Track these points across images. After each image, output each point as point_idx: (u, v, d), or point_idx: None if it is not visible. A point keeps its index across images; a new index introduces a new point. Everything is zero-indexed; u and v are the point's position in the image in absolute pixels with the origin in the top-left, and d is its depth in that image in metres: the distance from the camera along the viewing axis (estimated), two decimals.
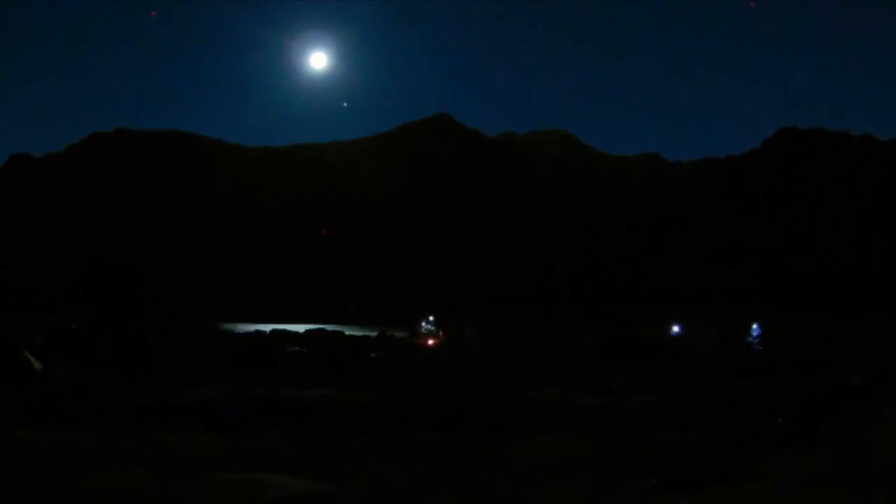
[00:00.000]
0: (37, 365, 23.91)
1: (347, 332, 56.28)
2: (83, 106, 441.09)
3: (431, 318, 60.72)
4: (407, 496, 10.96)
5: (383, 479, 11.83)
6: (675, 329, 58.22)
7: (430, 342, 49.31)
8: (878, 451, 13.76)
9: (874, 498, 11.04)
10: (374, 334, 56.62)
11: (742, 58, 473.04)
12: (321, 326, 62.17)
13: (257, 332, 56.24)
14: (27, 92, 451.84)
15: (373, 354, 37.97)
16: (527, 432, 15.99)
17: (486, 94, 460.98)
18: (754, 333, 55.70)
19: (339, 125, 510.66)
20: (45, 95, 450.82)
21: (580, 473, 12.15)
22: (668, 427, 16.78)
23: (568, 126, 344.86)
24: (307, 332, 56.03)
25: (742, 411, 19.97)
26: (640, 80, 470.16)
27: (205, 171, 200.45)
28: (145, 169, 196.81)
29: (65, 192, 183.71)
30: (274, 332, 55.63)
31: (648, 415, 18.94)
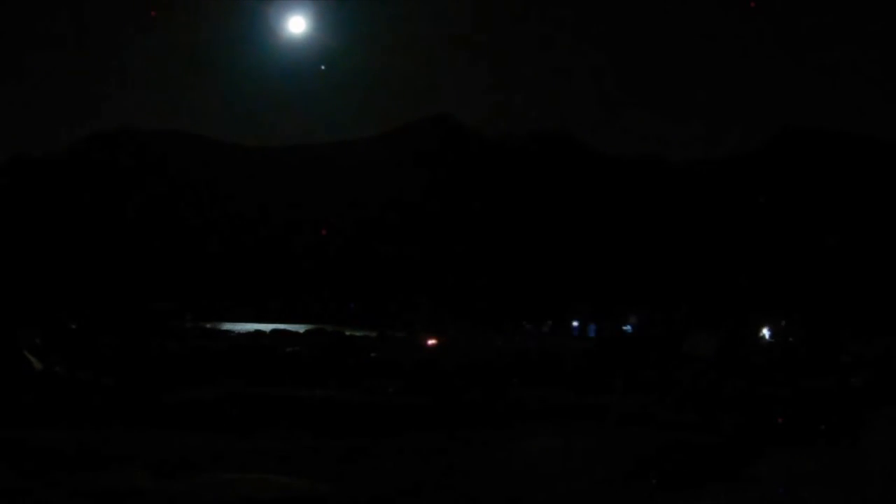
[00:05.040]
0: (37, 365, 23.88)
1: (347, 332, 56.15)
2: (83, 106, 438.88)
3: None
4: (406, 496, 10.97)
5: (383, 479, 11.83)
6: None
7: (431, 342, 49.24)
8: (877, 451, 13.76)
9: (872, 498, 11.05)
10: (373, 334, 56.55)
11: (742, 57, 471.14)
12: (321, 326, 62.00)
13: (257, 331, 56.06)
14: (27, 92, 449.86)
15: (373, 354, 37.92)
16: (527, 432, 16.01)
17: (486, 94, 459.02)
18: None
19: (338, 126, 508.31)
20: (45, 95, 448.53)
21: (580, 473, 12.14)
22: (668, 427, 16.80)
23: (568, 126, 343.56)
24: (307, 331, 55.89)
25: (741, 411, 20.01)
26: (640, 79, 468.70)
27: (205, 171, 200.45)
28: (145, 169, 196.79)
29: (65, 191, 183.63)
30: (274, 331, 55.48)
31: (648, 415, 18.95)
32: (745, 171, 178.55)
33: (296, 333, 54.23)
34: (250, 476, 11.24)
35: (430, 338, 50.44)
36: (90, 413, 17.55)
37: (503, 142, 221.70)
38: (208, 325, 65.38)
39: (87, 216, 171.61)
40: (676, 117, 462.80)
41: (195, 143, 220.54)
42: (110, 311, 70.06)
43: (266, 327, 59.87)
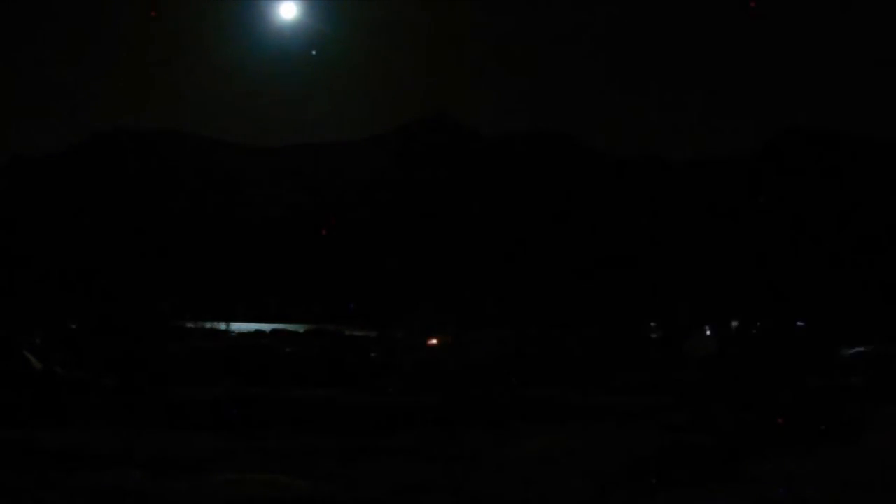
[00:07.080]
0: (37, 365, 23.89)
1: (347, 332, 56.20)
2: (83, 106, 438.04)
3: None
4: (407, 496, 10.97)
5: (383, 479, 11.84)
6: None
7: (431, 342, 49.26)
8: (878, 451, 13.79)
9: (872, 498, 11.07)
10: (373, 334, 56.58)
11: (742, 57, 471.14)
12: (321, 326, 62.03)
13: (257, 331, 56.12)
14: (27, 92, 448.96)
15: (373, 354, 37.95)
16: (527, 432, 16.02)
17: (487, 94, 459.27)
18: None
19: (337, 125, 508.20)
20: (45, 95, 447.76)
21: (580, 473, 12.15)
22: (668, 427, 16.81)
23: (568, 126, 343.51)
24: (307, 331, 55.93)
25: (741, 411, 20.02)
26: (640, 79, 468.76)
27: (204, 171, 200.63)
28: (145, 169, 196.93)
29: (65, 192, 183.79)
30: (274, 331, 55.53)
31: (648, 415, 18.98)
32: (745, 171, 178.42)
33: (296, 333, 54.26)
34: (251, 476, 11.25)
35: (430, 338, 50.44)
36: (90, 413, 17.56)
37: (503, 142, 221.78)
38: (208, 325, 65.37)
39: (87, 216, 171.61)
40: (676, 117, 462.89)
41: (195, 143, 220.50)
42: (110, 311, 70.04)
43: (266, 327, 59.90)
